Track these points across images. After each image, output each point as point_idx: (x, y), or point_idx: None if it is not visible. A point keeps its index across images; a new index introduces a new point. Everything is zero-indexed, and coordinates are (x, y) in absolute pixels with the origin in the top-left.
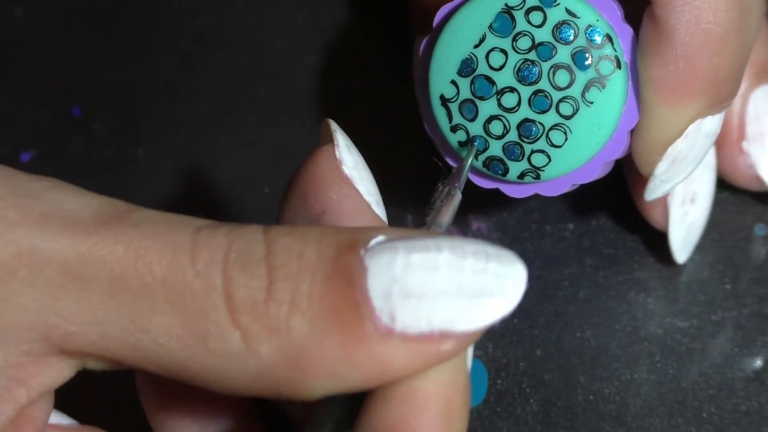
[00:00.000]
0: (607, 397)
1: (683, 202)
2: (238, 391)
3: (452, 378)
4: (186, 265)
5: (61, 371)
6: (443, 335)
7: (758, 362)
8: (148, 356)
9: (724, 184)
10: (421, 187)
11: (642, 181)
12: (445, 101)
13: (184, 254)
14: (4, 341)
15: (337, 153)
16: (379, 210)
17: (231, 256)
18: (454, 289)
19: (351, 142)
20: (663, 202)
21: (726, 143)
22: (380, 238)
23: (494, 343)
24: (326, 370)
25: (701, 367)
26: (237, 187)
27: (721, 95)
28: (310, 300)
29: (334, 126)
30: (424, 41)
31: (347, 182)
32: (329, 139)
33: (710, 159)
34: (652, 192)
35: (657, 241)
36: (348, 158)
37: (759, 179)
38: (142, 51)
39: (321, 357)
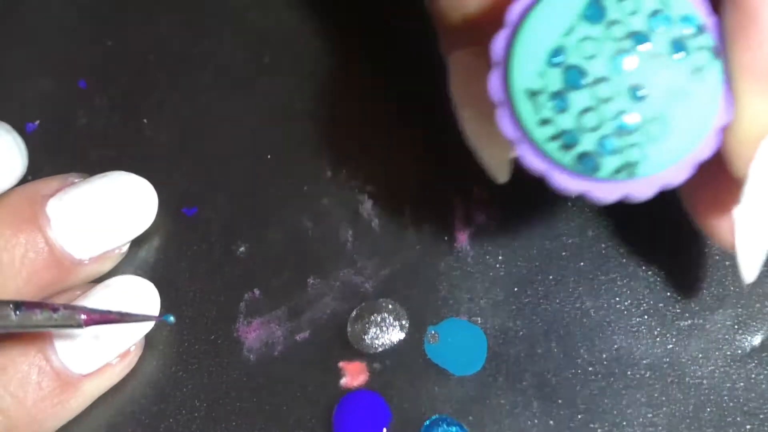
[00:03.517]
0: (606, 369)
1: (755, 213)
2: None
3: None
4: None
5: None
6: None
7: (758, 338)
8: None
9: None
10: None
11: (709, 195)
12: (531, 94)
13: None
14: None
15: None
16: None
17: None
18: None
19: None
20: (728, 214)
21: None
22: None
23: (494, 312)
24: None
25: (701, 342)
26: (242, 156)
27: None
28: None
29: None
30: (501, 36)
31: None
32: None
33: None
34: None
35: (659, 216)
36: None
37: None
38: (147, 22)
39: None
